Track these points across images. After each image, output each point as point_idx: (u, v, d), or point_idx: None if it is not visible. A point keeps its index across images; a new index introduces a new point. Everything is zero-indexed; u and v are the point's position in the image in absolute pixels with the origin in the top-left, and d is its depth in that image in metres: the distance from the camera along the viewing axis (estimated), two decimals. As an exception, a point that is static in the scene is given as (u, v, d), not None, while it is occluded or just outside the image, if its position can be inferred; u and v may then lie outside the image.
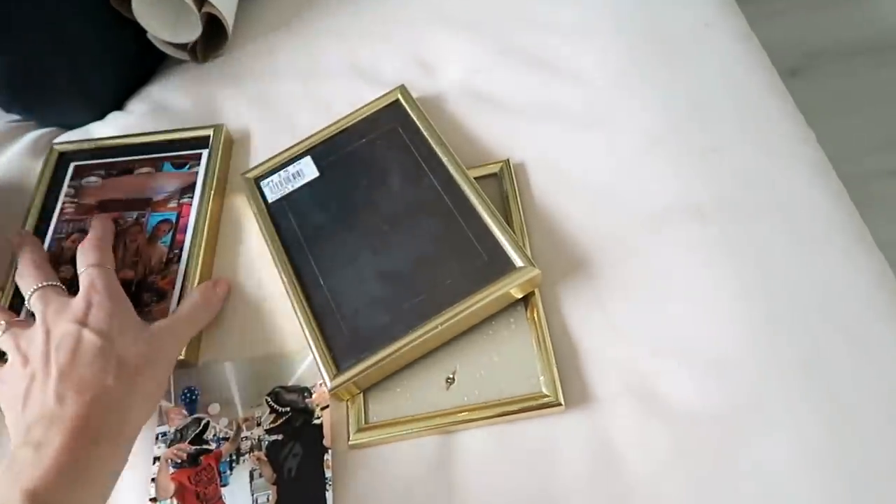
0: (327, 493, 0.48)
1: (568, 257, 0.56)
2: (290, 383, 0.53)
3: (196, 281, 0.57)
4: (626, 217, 0.57)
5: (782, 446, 0.47)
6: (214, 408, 0.53)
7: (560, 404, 0.49)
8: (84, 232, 0.62)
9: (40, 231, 0.63)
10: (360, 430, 0.50)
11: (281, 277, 0.56)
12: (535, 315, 0.52)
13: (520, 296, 0.53)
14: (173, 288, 0.58)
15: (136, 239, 0.62)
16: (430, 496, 0.48)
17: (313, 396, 0.53)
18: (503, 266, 0.52)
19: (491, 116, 0.65)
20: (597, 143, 0.62)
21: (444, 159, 0.59)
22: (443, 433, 0.50)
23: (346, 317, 0.53)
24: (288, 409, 0.52)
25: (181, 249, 0.60)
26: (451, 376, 0.52)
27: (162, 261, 0.60)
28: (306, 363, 0.54)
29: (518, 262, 0.52)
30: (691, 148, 0.60)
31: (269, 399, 0.53)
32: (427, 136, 0.61)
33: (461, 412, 0.50)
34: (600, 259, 0.56)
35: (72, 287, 0.54)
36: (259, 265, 0.60)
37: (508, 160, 0.61)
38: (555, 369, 0.50)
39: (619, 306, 0.53)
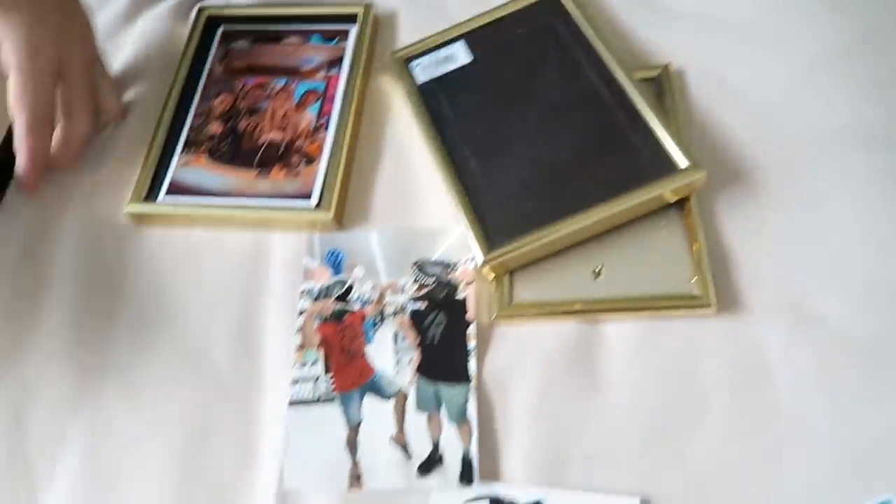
0: (469, 363, 0.49)
1: (726, 168, 0.55)
2: (433, 258, 0.54)
3: (345, 149, 0.58)
4: (790, 136, 0.56)
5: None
6: (359, 271, 0.54)
7: (710, 306, 0.48)
8: (232, 93, 0.63)
9: (188, 91, 0.64)
10: (503, 308, 0.51)
11: (432, 155, 0.56)
12: (691, 219, 0.52)
13: (674, 199, 0.52)
14: (321, 153, 0.58)
15: (284, 104, 0.62)
16: (570, 379, 0.49)
17: (457, 273, 0.53)
18: (665, 166, 0.52)
19: (651, 19, 0.63)
20: (763, 57, 0.59)
21: (605, 56, 0.58)
22: (587, 322, 0.50)
23: (500, 199, 0.53)
24: (432, 279, 0.53)
25: (329, 119, 0.60)
26: (598, 269, 0.52)
27: (310, 127, 0.60)
28: (451, 240, 0.54)
29: (682, 162, 0.51)
30: (864, 71, 0.58)
31: (414, 269, 0.53)
32: (586, 31, 0.59)
33: (607, 302, 0.50)
34: (760, 174, 0.54)
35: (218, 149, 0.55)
36: (407, 142, 0.60)
37: (668, 65, 0.59)
38: (707, 273, 0.49)
39: (777, 222, 0.52)
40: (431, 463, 0.47)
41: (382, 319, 0.52)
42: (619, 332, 0.50)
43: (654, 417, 0.47)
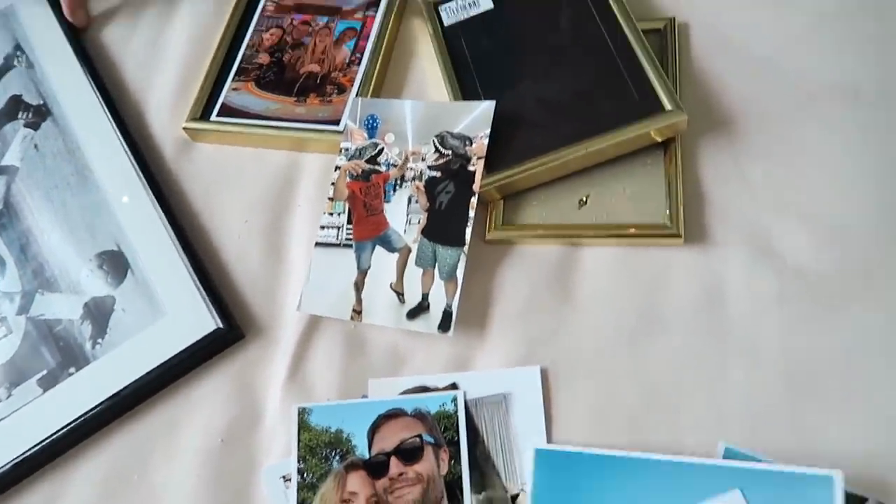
0: (467, 229, 0.56)
1: (714, 116, 0.59)
2: (455, 131, 0.60)
3: (373, 81, 0.65)
4: (782, 90, 0.59)
5: (881, 313, 0.50)
6: (390, 137, 0.61)
7: (679, 236, 0.54)
8: (280, 28, 0.71)
9: (243, 25, 0.72)
10: (496, 227, 0.58)
11: (448, 90, 0.63)
12: (673, 159, 0.57)
13: (660, 139, 0.57)
14: (352, 85, 0.66)
15: (324, 40, 0.69)
16: (549, 293, 0.55)
17: (473, 147, 0.59)
18: (652, 106, 0.57)
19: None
20: (766, 15, 0.63)
21: (615, 6, 0.62)
22: (570, 244, 0.57)
23: (502, 131, 0.59)
24: (450, 152, 0.59)
25: (363, 54, 0.67)
26: (584, 199, 0.58)
27: (345, 62, 0.68)
28: (475, 113, 0.60)
29: (668, 105, 0.56)
30: (861, 31, 0.61)
31: (436, 140, 0.60)
32: (600, -18, 0.64)
33: (589, 228, 0.56)
34: (746, 123, 0.59)
35: (264, 77, 0.63)
36: (429, 77, 0.67)
37: (674, 18, 0.64)
38: (681, 207, 0.55)
39: (754, 167, 0.57)
40: (419, 310, 0.55)
41: (402, 183, 0.60)
42: (596, 256, 0.56)
43: (618, 332, 0.53)
